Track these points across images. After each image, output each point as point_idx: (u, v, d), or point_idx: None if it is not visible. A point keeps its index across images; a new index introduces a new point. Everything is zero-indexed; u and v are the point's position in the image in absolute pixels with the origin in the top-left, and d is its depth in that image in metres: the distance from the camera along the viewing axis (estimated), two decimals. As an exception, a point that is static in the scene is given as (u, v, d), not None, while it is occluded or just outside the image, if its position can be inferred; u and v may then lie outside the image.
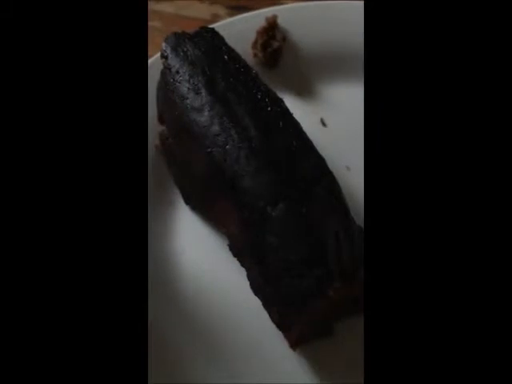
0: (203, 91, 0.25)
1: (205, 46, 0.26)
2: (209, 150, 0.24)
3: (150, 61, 0.31)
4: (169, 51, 0.26)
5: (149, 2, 0.40)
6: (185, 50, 0.25)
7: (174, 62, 0.25)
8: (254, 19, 0.34)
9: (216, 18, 0.38)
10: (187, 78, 0.25)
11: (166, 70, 0.26)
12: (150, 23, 0.38)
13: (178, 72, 0.25)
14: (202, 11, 0.39)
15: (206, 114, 0.24)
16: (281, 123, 0.26)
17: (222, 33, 0.29)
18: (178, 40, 0.26)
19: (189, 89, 0.25)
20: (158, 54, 0.31)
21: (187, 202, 0.28)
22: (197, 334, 0.25)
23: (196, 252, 0.27)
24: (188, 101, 0.25)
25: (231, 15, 0.39)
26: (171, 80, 0.25)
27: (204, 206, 0.27)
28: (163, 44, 0.26)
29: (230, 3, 0.39)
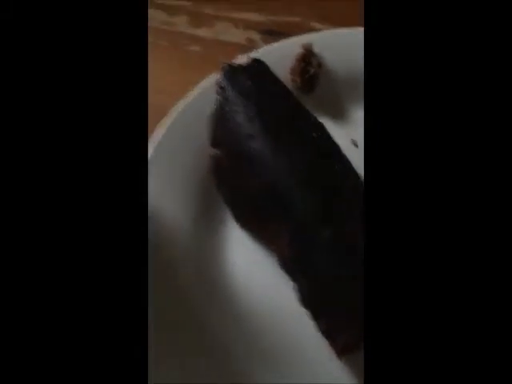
0: (256, 120, 0.27)
1: (256, 77, 0.28)
2: (262, 175, 0.27)
3: (199, 87, 0.33)
4: (226, 83, 0.28)
5: (188, 28, 0.42)
6: (240, 81, 0.27)
7: (232, 93, 0.28)
8: (291, 46, 0.36)
9: (251, 42, 0.41)
10: (243, 108, 0.27)
11: (224, 100, 0.28)
12: (189, 48, 0.41)
13: (234, 102, 0.27)
14: (238, 36, 0.41)
15: (260, 141, 0.27)
16: (325, 147, 0.28)
17: (262, 59, 0.31)
18: (234, 71, 0.28)
19: (244, 118, 0.27)
20: (206, 81, 0.34)
21: (237, 220, 0.30)
22: (248, 339, 0.27)
23: (246, 266, 0.30)
24: (244, 129, 0.27)
25: (264, 40, 0.41)
26: (228, 109, 0.28)
27: (254, 225, 0.29)
28: (220, 75, 0.28)
29: (263, 28, 0.41)
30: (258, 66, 0.29)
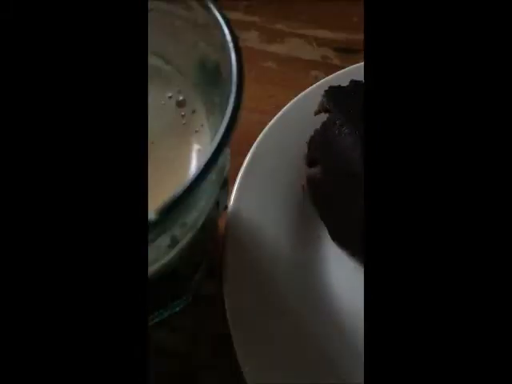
0: (360, 142, 0.28)
1: (356, 98, 0.29)
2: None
3: (287, 106, 0.34)
4: (331, 106, 0.29)
5: (262, 44, 0.43)
6: (347, 104, 0.28)
7: (339, 116, 0.28)
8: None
9: (326, 59, 0.41)
10: (349, 130, 0.28)
11: (330, 123, 0.29)
12: (264, 64, 0.42)
13: (342, 125, 0.28)
14: (312, 53, 0.42)
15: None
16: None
17: (346, 80, 0.32)
18: (338, 94, 0.29)
19: (351, 141, 0.28)
20: (295, 100, 0.34)
21: (334, 238, 0.31)
22: (353, 352, 0.28)
23: (344, 281, 0.30)
24: (352, 152, 0.28)
25: (339, 57, 0.42)
26: (336, 132, 0.28)
27: (354, 243, 0.30)
28: (323, 98, 0.29)
29: (337, 45, 0.42)
30: (356, 87, 0.30)
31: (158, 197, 0.22)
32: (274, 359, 0.28)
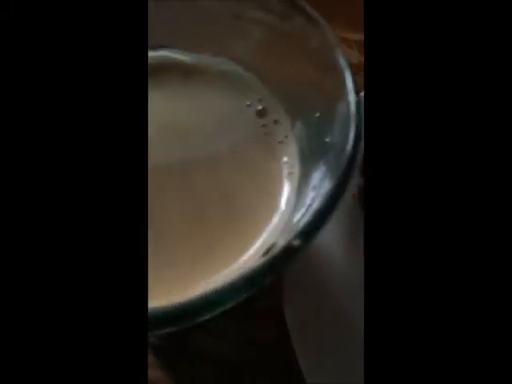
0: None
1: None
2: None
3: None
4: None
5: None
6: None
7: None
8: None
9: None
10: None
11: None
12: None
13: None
14: (354, 57, 0.42)
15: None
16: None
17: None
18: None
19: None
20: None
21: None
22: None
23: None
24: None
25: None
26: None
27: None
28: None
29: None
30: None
31: (245, 209, 0.22)
32: (337, 370, 0.28)
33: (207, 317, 0.16)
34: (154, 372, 0.29)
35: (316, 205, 0.16)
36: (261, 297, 0.29)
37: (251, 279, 0.15)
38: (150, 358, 0.29)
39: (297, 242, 0.15)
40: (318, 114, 0.21)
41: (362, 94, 0.20)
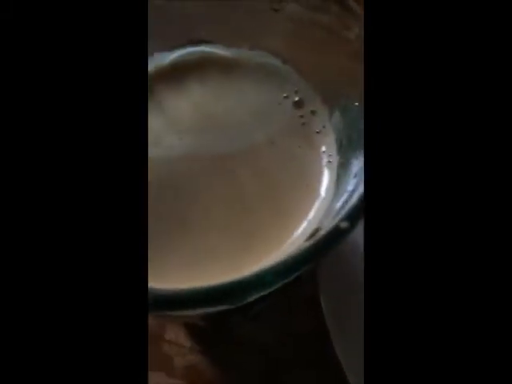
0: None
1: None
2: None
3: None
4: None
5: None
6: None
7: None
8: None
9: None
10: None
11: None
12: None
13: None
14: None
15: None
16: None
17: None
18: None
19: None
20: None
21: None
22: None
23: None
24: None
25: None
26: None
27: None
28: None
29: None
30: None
31: (285, 197, 0.23)
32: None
33: (254, 297, 0.17)
34: (193, 356, 0.30)
35: (361, 189, 0.17)
36: (299, 286, 0.30)
37: (298, 261, 0.16)
38: (189, 343, 0.30)
39: (344, 224, 0.16)
40: (356, 104, 0.22)
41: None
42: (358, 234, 0.31)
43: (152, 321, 0.30)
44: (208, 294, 0.16)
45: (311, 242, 0.16)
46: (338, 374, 0.27)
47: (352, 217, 0.16)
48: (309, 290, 0.29)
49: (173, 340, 0.30)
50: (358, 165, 0.20)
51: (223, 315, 0.27)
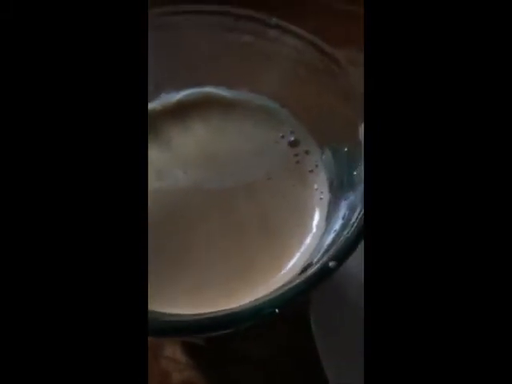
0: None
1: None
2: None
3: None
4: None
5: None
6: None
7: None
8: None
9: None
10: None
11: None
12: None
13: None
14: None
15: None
16: None
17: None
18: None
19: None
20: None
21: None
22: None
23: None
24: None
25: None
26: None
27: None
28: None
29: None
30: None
31: (280, 230, 0.25)
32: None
33: (248, 325, 0.20)
34: (189, 372, 0.31)
35: (347, 233, 0.19)
36: (290, 308, 0.31)
37: (292, 294, 0.19)
38: (184, 359, 0.32)
39: (332, 264, 0.18)
40: (346, 149, 0.24)
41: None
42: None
43: (150, 338, 0.32)
44: (211, 321, 0.18)
45: (303, 276, 0.19)
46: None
47: (339, 258, 0.18)
48: (299, 312, 0.31)
49: (170, 356, 0.32)
50: (345, 206, 0.23)
51: (220, 335, 0.30)
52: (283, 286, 0.21)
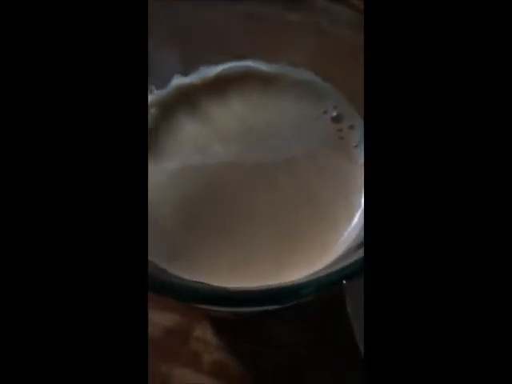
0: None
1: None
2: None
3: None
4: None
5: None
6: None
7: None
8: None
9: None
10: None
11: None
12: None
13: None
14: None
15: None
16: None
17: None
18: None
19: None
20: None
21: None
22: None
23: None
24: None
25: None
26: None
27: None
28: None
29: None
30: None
31: (326, 209, 0.24)
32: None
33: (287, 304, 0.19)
34: (220, 353, 0.31)
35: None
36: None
37: (335, 279, 0.18)
38: (215, 341, 0.31)
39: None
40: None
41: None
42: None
43: (181, 318, 0.32)
44: (256, 295, 0.18)
45: (349, 260, 0.18)
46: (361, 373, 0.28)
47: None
48: (336, 292, 0.31)
49: (200, 337, 0.31)
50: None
51: (254, 314, 0.29)
52: (329, 265, 0.20)
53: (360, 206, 0.24)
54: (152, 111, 0.27)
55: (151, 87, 0.27)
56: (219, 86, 0.27)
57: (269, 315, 0.31)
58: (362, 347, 0.29)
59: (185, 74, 0.27)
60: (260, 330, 0.31)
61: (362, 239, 0.22)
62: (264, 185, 0.25)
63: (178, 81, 0.27)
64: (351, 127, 0.26)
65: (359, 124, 0.26)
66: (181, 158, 0.26)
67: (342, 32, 0.26)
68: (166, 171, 0.25)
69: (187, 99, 0.27)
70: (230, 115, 0.27)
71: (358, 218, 0.24)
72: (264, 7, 0.26)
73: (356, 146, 0.26)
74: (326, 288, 0.18)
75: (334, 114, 0.27)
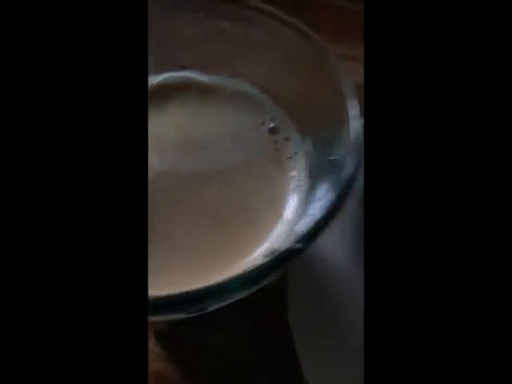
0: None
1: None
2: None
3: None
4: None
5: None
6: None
7: None
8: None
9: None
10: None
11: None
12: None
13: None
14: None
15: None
16: None
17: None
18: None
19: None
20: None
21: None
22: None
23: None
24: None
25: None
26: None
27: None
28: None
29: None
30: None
31: (253, 215, 0.24)
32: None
33: (214, 306, 0.19)
34: (161, 364, 0.31)
35: (318, 213, 0.19)
36: (265, 296, 0.31)
37: (255, 275, 0.18)
38: (157, 350, 0.31)
39: (298, 245, 0.17)
40: (325, 135, 0.23)
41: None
42: (327, 249, 0.32)
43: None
44: (168, 302, 0.18)
45: (267, 259, 0.18)
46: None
47: (305, 238, 0.17)
48: (277, 301, 0.30)
49: (143, 347, 0.31)
50: (322, 190, 0.22)
51: (189, 323, 0.29)
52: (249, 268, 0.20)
53: (285, 215, 0.25)
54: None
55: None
56: (159, 96, 0.28)
57: (208, 324, 0.30)
58: (302, 359, 0.29)
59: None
60: (201, 338, 0.31)
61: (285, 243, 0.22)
62: (194, 194, 0.25)
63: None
64: (287, 139, 0.26)
65: (294, 136, 0.26)
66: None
67: (280, 43, 0.26)
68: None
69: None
70: (169, 125, 0.27)
71: (282, 226, 0.24)
72: (204, 17, 0.27)
73: (289, 158, 0.26)
74: (251, 284, 0.18)
75: (271, 125, 0.27)
